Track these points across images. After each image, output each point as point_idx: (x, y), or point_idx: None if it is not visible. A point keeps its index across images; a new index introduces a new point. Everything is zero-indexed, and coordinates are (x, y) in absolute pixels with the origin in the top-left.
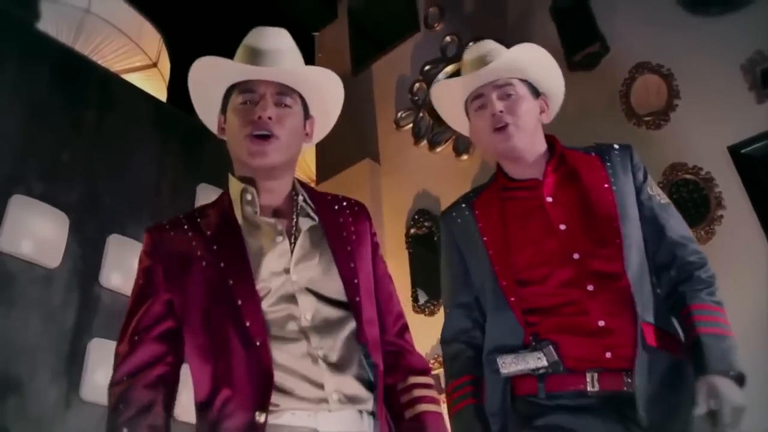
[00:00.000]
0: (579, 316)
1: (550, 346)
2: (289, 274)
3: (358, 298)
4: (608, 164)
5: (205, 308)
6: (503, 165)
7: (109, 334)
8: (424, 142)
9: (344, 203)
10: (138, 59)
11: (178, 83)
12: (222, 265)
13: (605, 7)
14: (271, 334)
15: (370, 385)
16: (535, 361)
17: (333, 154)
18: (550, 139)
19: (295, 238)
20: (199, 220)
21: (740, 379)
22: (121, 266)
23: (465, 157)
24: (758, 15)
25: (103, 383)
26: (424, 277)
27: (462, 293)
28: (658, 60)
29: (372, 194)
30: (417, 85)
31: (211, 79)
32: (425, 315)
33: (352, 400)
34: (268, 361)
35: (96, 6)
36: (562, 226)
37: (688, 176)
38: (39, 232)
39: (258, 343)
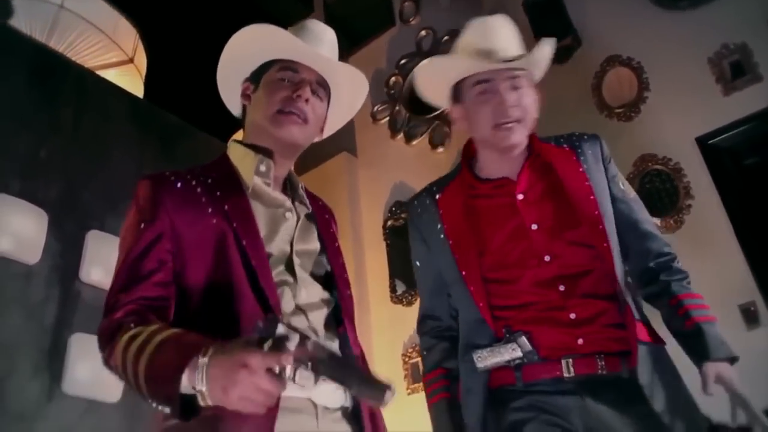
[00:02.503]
0: (551, 311)
1: (524, 337)
2: (292, 251)
3: (348, 292)
4: (582, 158)
5: (210, 264)
6: (481, 157)
7: (90, 328)
8: (401, 135)
9: (322, 202)
10: (114, 55)
11: (154, 79)
12: (234, 225)
13: (577, 1)
14: None
15: None
16: (510, 352)
17: (310, 148)
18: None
19: (297, 219)
20: (201, 178)
21: (734, 361)
22: (101, 261)
23: (440, 149)
24: (724, 10)
25: (85, 377)
26: (401, 267)
27: (434, 284)
28: (628, 53)
29: (349, 187)
30: (393, 78)
31: (258, 46)
32: (403, 305)
33: None
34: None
35: (70, 2)
36: (534, 226)
37: (658, 167)
38: (18, 229)
39: (272, 303)
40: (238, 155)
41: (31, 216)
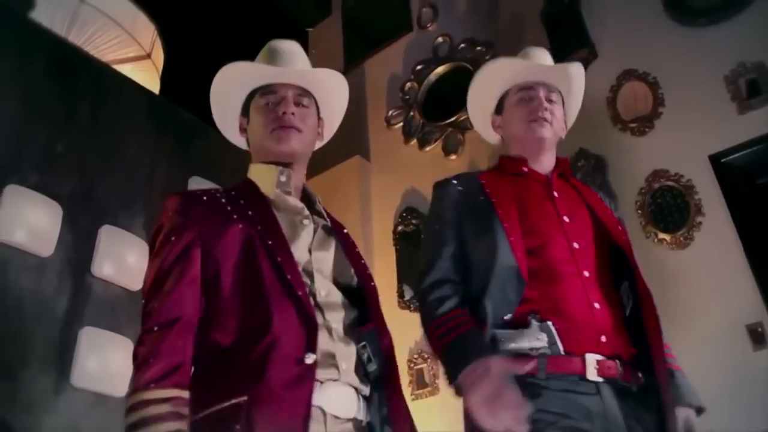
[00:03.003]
0: (575, 290)
1: (550, 327)
2: (311, 255)
3: (372, 284)
4: (597, 191)
5: (240, 264)
6: (522, 156)
7: (100, 322)
8: (414, 141)
9: (335, 219)
10: (132, 50)
11: (171, 75)
12: (259, 228)
13: (595, 14)
14: None
15: (363, 374)
16: (535, 340)
17: (323, 151)
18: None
19: (315, 228)
20: (224, 193)
21: (701, 412)
22: (113, 256)
23: (453, 156)
24: (742, 28)
25: (94, 370)
26: (410, 273)
27: (453, 247)
28: (645, 68)
29: (361, 191)
30: (408, 84)
31: (236, 83)
32: (410, 311)
33: (354, 374)
34: (311, 309)
35: None
36: (566, 218)
37: (670, 183)
38: (33, 222)
39: (300, 294)
40: (258, 172)
41: (46, 209)
